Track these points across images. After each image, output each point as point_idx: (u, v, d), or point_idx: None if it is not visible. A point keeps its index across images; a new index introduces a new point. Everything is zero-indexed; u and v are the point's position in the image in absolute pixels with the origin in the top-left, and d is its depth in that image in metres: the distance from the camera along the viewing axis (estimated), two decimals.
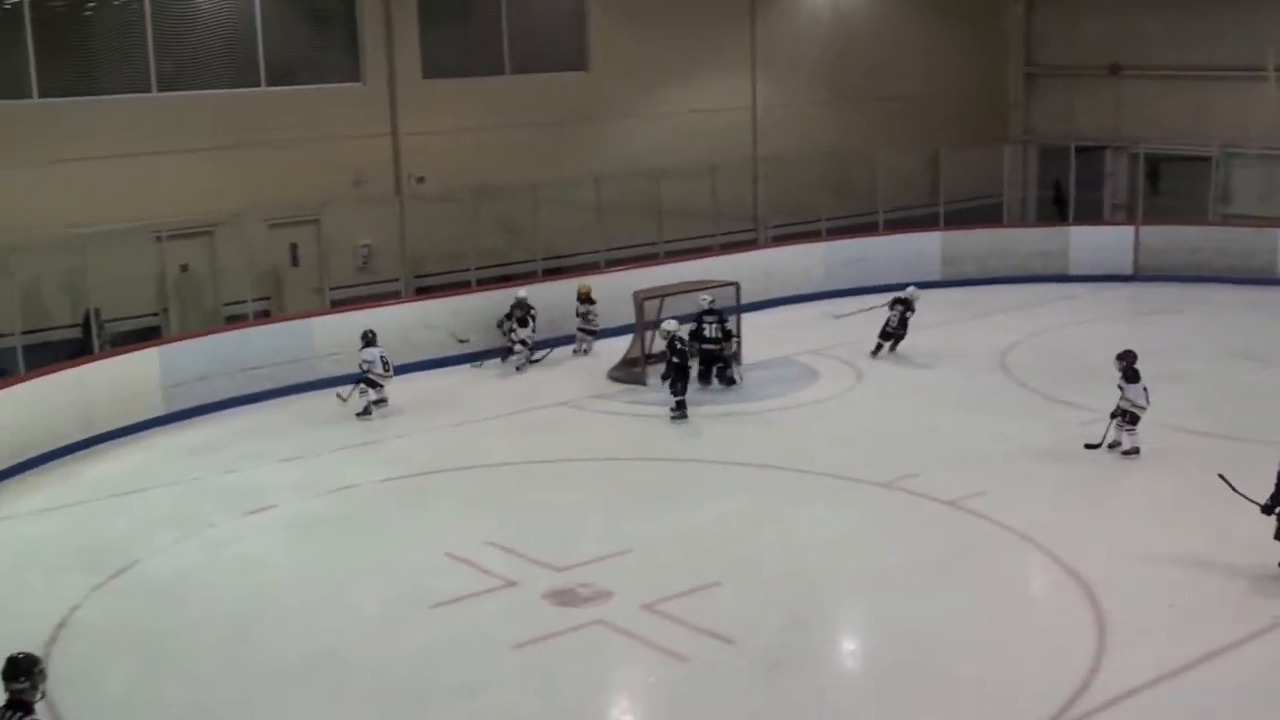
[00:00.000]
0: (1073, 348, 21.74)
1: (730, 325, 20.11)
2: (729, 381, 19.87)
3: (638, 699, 11.52)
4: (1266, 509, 12.90)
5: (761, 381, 20.40)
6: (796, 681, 11.41)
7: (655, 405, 19.24)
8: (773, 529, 14.69)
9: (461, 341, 21.01)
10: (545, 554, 13.85)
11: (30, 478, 16.90)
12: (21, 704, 7.87)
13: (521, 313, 21.29)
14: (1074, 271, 26.64)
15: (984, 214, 28.15)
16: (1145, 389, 16.32)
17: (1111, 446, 16.44)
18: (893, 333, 21.49)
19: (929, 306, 22.34)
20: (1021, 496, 15.25)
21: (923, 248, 26.57)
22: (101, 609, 13.11)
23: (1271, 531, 12.86)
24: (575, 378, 20.76)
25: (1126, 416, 16.34)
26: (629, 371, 20.71)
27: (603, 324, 22.33)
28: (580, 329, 22.20)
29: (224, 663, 11.93)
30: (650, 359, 20.71)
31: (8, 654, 8.16)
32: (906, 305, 21.53)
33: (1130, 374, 16.37)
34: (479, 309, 21.93)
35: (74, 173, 20.07)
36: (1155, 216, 27.38)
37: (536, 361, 21.49)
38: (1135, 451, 16.35)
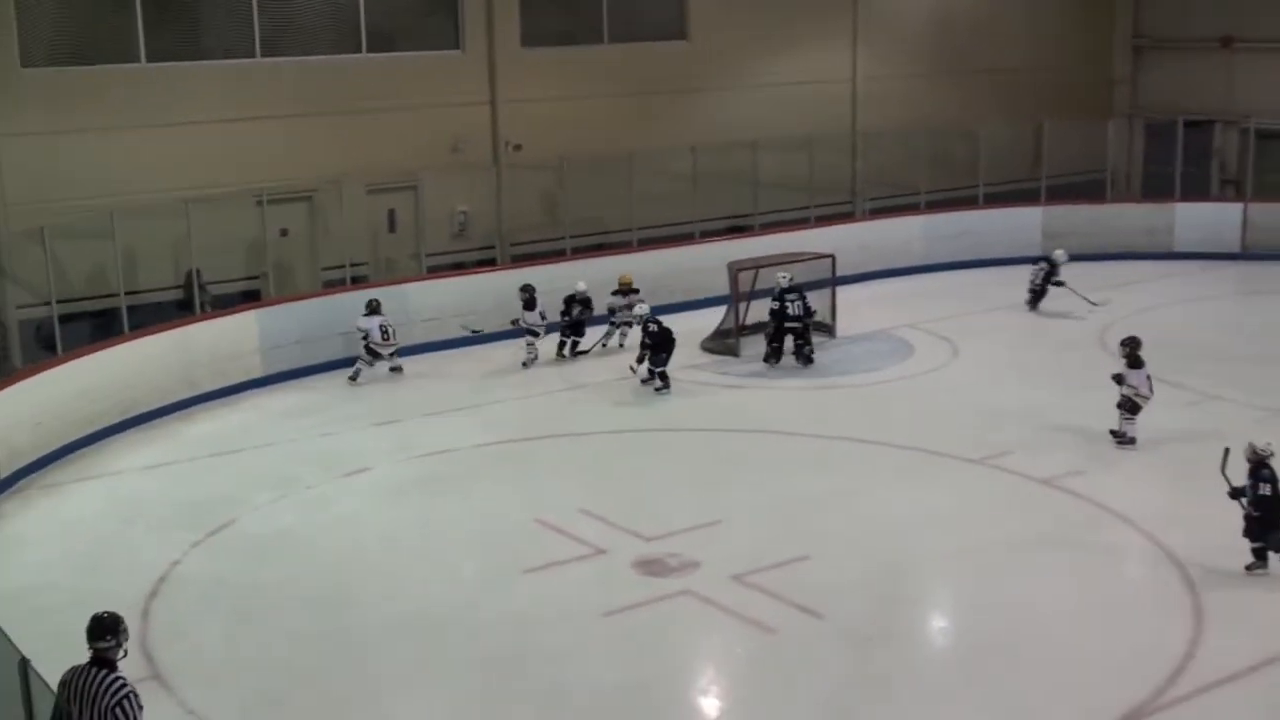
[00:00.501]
0: (1176, 327, 21.30)
1: (810, 302, 19.91)
2: (807, 360, 19.68)
3: (724, 669, 11.52)
4: (1232, 495, 12.58)
5: (856, 355, 20.28)
6: (885, 657, 11.35)
7: (748, 376, 19.23)
8: (863, 503, 14.60)
9: (474, 333, 20.25)
10: (635, 523, 13.90)
11: (135, 435, 17.27)
12: (106, 661, 8.00)
13: (580, 307, 20.41)
14: (1179, 249, 26.10)
15: (1087, 189, 27.65)
16: (1149, 377, 15.90)
17: (1112, 433, 16.03)
18: (1036, 290, 22.05)
19: (1028, 282, 22.07)
20: (1120, 477, 15.03)
21: (1023, 222, 26.17)
22: (201, 565, 13.38)
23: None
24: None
25: (1128, 405, 15.95)
26: (722, 342, 20.68)
27: (696, 295, 22.28)
28: (611, 321, 20.82)
29: (318, 622, 12.12)
30: (744, 330, 20.66)
31: (97, 611, 8.27)
32: (1051, 267, 22.10)
33: (1134, 360, 15.98)
34: (572, 277, 21.96)
35: (178, 136, 20.40)
36: (1265, 193, 26.70)
37: (585, 353, 20.45)
38: (1131, 442, 15.90)
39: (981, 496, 14.81)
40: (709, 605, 12.17)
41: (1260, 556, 12.56)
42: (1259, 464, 12.47)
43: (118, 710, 7.85)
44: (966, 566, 13.12)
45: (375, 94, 22.12)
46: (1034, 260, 22.99)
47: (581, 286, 20.58)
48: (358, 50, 22.33)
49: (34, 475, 15.77)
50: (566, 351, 20.35)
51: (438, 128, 22.78)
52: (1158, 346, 20.09)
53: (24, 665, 7.54)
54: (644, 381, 18.65)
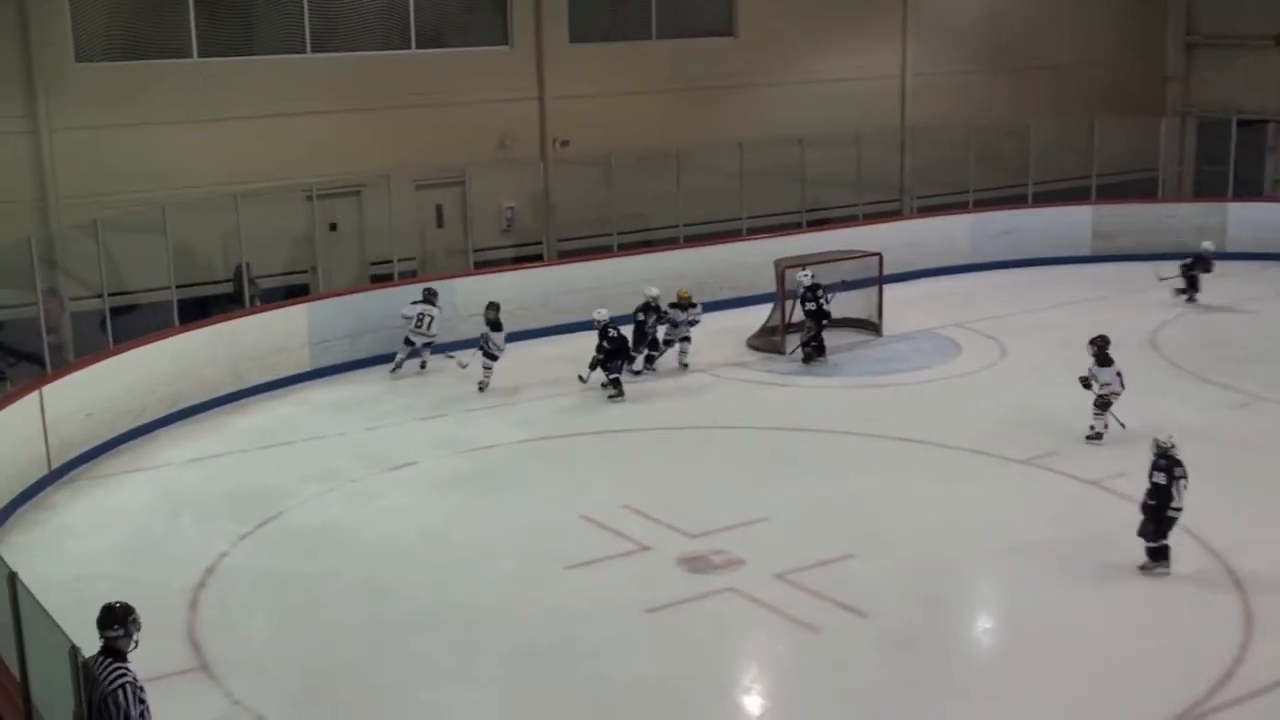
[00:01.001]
0: (1226, 327, 21.12)
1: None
2: (818, 355, 19.65)
3: (766, 667, 11.51)
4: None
5: (902, 354, 20.20)
6: (927, 658, 11.31)
7: (794, 374, 19.19)
8: (909, 502, 14.54)
9: (463, 366, 18.71)
10: (679, 520, 13.90)
11: (183, 427, 17.43)
12: (115, 651, 8.03)
13: (655, 315, 19.49)
14: (1231, 249, 25.77)
15: (1138, 188, 27.39)
16: (1119, 374, 16.07)
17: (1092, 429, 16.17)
18: (1189, 279, 22.27)
19: (1078, 281, 21.88)
20: None
21: (1073, 221, 25.99)
22: (248, 557, 13.50)
23: None
24: (714, 345, 20.69)
25: (1099, 401, 16.05)
26: (768, 340, 20.64)
27: (744, 291, 22.26)
28: (668, 338, 19.66)
29: (363, 613, 12.20)
30: (790, 327, 20.61)
31: (128, 600, 8.31)
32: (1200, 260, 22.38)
33: (1102, 359, 16.11)
34: (620, 273, 22.00)
35: (229, 131, 20.57)
36: None
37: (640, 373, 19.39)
38: (1098, 437, 15.99)
39: (1027, 497, 14.72)
40: (752, 603, 12.16)
41: (1154, 556, 12.68)
42: (1159, 455, 12.75)
43: (109, 700, 7.84)
44: (1011, 568, 13.04)
45: (424, 90, 22.21)
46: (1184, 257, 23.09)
47: (654, 292, 19.57)
48: (407, 46, 22.44)
49: (84, 466, 15.95)
50: (640, 365, 19.32)
51: (486, 123, 22.86)
52: (1208, 347, 20.02)
53: (74, 653, 7.63)
54: (604, 386, 18.37)
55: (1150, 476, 12.75)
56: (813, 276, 19.75)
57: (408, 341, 19.51)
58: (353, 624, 12.02)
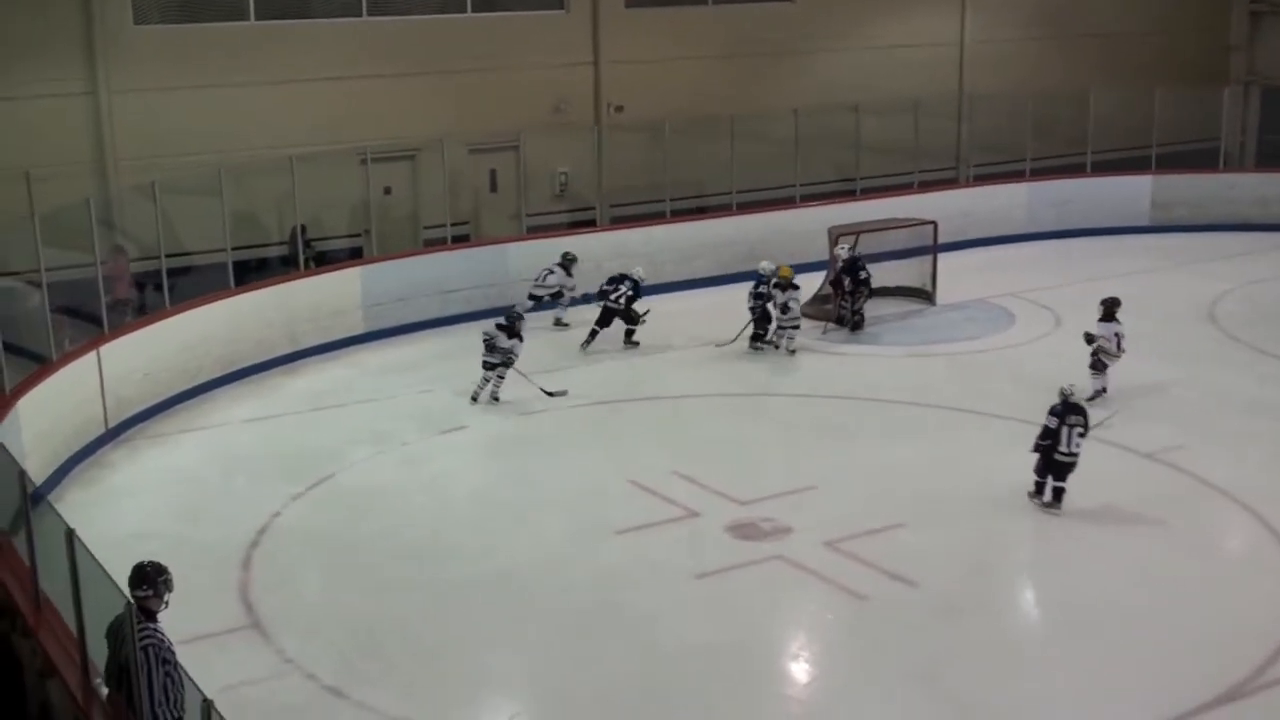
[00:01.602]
0: None
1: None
2: (859, 327, 19.66)
3: (814, 635, 11.51)
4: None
5: (956, 323, 20.07)
6: (977, 627, 11.27)
7: (846, 342, 19.11)
8: (959, 472, 14.46)
9: (551, 395, 16.92)
10: (729, 486, 13.90)
11: (238, 388, 17.59)
12: (146, 610, 8.02)
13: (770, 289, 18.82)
14: None
15: (1199, 158, 27.00)
16: (1118, 334, 16.29)
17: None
18: None
19: (1135, 252, 21.64)
20: (1224, 451, 14.74)
21: (1132, 191, 25.67)
22: (300, 517, 13.63)
23: None
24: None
25: (1092, 361, 16.28)
26: (822, 308, 20.54)
27: (796, 259, 22.11)
28: (780, 324, 18.79)
29: (412, 575, 12.30)
30: (823, 299, 20.48)
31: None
32: None
33: (1105, 317, 16.43)
34: (671, 239, 21.98)
35: (285, 94, 20.70)
36: None
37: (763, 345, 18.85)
38: (1095, 397, 15.98)
39: (1081, 469, 14.54)
40: (801, 570, 12.15)
41: (1038, 490, 13.37)
42: (1059, 401, 13.36)
43: (137, 657, 7.80)
44: (1063, 538, 12.96)
45: (479, 54, 22.23)
46: None
47: (768, 266, 18.96)
48: (462, 10, 22.46)
49: (140, 426, 16.14)
50: (762, 342, 18.81)
51: (540, 88, 22.85)
52: (1267, 319, 19.76)
53: (129, 610, 7.73)
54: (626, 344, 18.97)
55: (1045, 418, 13.36)
56: (851, 250, 19.62)
57: (531, 296, 20.00)
58: (403, 585, 12.12)
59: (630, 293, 19.06)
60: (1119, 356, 16.40)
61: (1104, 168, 26.05)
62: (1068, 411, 13.25)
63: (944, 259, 21.18)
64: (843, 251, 19.67)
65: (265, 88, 20.57)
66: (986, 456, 14.92)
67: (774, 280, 18.75)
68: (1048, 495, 13.36)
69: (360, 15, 21.51)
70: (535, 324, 18.89)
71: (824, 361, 18.46)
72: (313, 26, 21.20)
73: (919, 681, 10.44)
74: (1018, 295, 21.24)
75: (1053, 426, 13.23)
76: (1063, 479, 13.28)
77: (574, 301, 20.19)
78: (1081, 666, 10.63)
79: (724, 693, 10.38)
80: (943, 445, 15.30)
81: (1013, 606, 12.10)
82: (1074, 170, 26.03)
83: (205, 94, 20.14)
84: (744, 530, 12.99)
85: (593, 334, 19.04)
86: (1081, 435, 13.23)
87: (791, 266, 19.26)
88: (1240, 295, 21.25)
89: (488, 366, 16.79)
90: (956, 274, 21.39)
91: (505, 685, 10.82)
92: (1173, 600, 11.61)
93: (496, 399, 16.74)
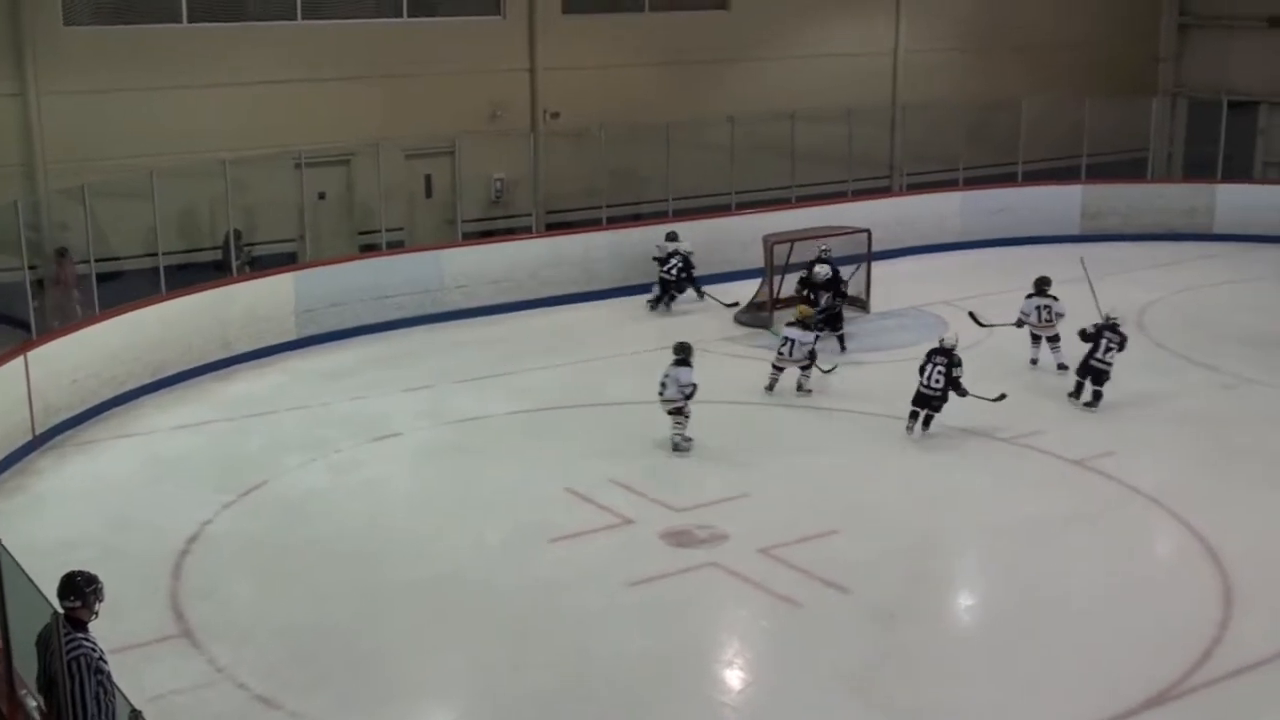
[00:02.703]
0: (1213, 309, 21.16)
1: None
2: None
3: (749, 642, 11.56)
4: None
5: (890, 331, 20.20)
6: (910, 634, 11.36)
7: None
8: (894, 479, 14.59)
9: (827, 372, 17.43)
10: (664, 494, 13.93)
11: (168, 395, 17.39)
12: (75, 621, 7.92)
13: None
14: (1219, 230, 25.83)
15: (1128, 168, 27.40)
16: (1038, 308, 17.85)
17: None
18: None
19: (1067, 261, 21.80)
20: (1152, 458, 14.96)
21: (1063, 200, 25.99)
22: (232, 525, 13.50)
23: None
24: (702, 320, 20.71)
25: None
26: (756, 315, 20.63)
27: (731, 267, 22.21)
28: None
29: (346, 582, 12.22)
30: (778, 303, 20.60)
31: (67, 571, 8.18)
32: None
33: (1037, 293, 17.99)
34: (609, 246, 21.99)
35: (218, 97, 20.47)
36: None
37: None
38: (1033, 363, 17.89)
39: (1012, 475, 14.77)
40: (735, 578, 12.19)
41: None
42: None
43: (66, 668, 7.69)
44: (994, 545, 13.11)
45: (415, 59, 22.12)
46: None
47: (823, 272, 19.38)
48: (399, 14, 22.35)
49: (69, 432, 15.92)
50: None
51: (477, 94, 22.78)
52: (1195, 328, 20.07)
53: (57, 620, 7.63)
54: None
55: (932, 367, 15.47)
56: (830, 269, 19.60)
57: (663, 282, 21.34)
58: (336, 593, 12.03)
59: (680, 264, 21.17)
60: (1048, 327, 17.85)
61: (1035, 177, 26.34)
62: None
63: (878, 267, 21.32)
64: (825, 271, 19.60)
65: (198, 91, 20.34)
66: (920, 463, 15.06)
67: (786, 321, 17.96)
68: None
69: (295, 19, 21.33)
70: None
71: (760, 369, 18.50)
72: (247, 30, 21.00)
73: (852, 688, 10.50)
74: (951, 303, 21.42)
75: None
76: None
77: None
78: (1013, 671, 10.75)
79: (658, 699, 10.40)
80: (876, 452, 15.41)
81: (945, 612, 12.20)
82: (1006, 179, 26.31)
83: (137, 97, 19.88)
84: (679, 537, 13.01)
85: (658, 299, 21.14)
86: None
87: (728, 274, 19.36)
88: (1168, 304, 21.58)
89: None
90: (890, 282, 21.54)
91: (439, 692, 10.78)
92: (1102, 605, 11.75)
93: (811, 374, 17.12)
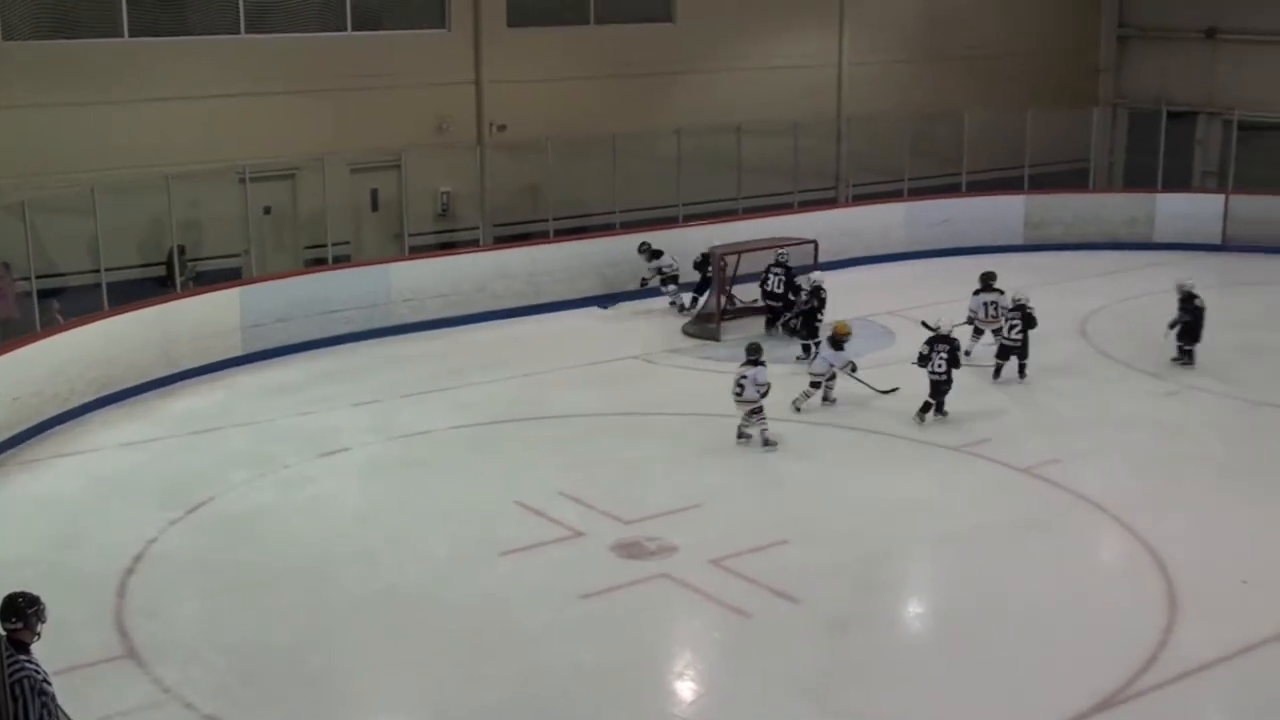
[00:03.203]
0: (1156, 317, 21.32)
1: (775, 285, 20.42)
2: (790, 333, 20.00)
3: (700, 653, 11.56)
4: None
5: None
6: (860, 642, 11.41)
7: (729, 361, 19.19)
8: (843, 489, 14.65)
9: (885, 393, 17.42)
10: (614, 506, 13.92)
11: (113, 412, 17.22)
12: (17, 643, 7.81)
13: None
14: (1159, 239, 26.18)
15: (1069, 178, 27.70)
16: (985, 304, 18.67)
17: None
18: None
19: (1011, 270, 22.05)
20: (1097, 465, 15.10)
21: (1006, 210, 26.24)
22: (178, 543, 13.36)
23: None
24: (648, 331, 20.75)
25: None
26: (704, 327, 20.68)
27: (683, 279, 22.25)
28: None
29: (294, 599, 12.13)
30: (726, 314, 20.66)
31: (10, 591, 8.06)
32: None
33: (984, 289, 18.83)
34: (556, 259, 21.97)
35: (161, 112, 20.30)
36: (1246, 185, 26.77)
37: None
38: (967, 354, 17.97)
39: (960, 484, 14.87)
40: (686, 589, 12.20)
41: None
42: (944, 339, 16.59)
43: (11, 690, 7.56)
44: (943, 553, 13.19)
45: (359, 72, 22.01)
46: None
47: (817, 279, 19.51)
48: (343, 28, 22.23)
49: (10, 451, 15.71)
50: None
51: (422, 107, 22.72)
52: (1136, 335, 20.28)
53: (0, 642, 7.54)
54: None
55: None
56: (814, 283, 19.55)
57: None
58: (284, 610, 11.94)
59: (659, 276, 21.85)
60: (995, 321, 18.38)
61: (979, 187, 26.58)
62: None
63: (825, 278, 21.39)
64: (807, 283, 19.58)
65: (141, 105, 20.16)
66: (869, 472, 15.15)
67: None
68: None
69: (239, 33, 21.19)
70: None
71: (708, 380, 18.53)
72: (189, 44, 20.85)
73: (805, 697, 10.53)
74: (897, 313, 21.56)
75: (925, 352, 16.57)
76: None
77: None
78: (963, 678, 10.81)
79: (611, 712, 10.40)
80: (825, 462, 15.48)
81: (895, 621, 12.25)
82: (950, 190, 26.53)
83: (79, 111, 19.68)
84: (629, 549, 13.01)
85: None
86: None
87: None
88: (1111, 312, 21.82)
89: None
90: (837, 292, 21.51)
91: (390, 709, 10.70)
92: (1049, 612, 11.85)
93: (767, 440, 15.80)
